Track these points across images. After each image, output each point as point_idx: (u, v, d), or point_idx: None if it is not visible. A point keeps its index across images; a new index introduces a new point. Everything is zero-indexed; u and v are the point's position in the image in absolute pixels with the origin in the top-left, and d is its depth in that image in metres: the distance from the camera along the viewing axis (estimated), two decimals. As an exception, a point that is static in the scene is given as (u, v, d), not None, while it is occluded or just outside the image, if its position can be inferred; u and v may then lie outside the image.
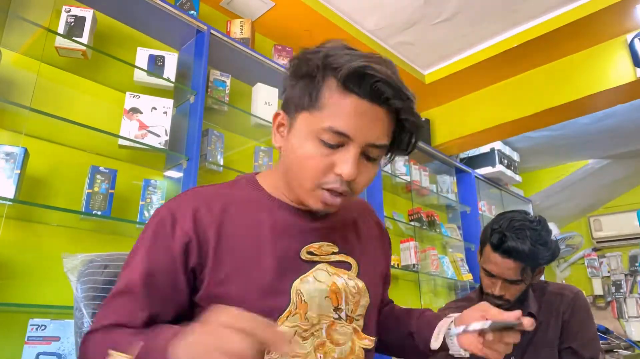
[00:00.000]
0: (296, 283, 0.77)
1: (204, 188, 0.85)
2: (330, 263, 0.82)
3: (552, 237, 1.40)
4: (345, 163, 0.71)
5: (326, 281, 0.79)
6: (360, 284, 0.84)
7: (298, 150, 0.74)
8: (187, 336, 0.57)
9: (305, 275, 0.78)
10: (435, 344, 0.84)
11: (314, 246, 0.81)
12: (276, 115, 0.81)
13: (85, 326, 0.81)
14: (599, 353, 1.43)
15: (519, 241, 1.33)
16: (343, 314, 0.81)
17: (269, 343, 0.53)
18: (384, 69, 0.70)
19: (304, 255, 0.80)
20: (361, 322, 0.84)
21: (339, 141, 0.71)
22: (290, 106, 0.77)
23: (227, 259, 0.75)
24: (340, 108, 0.70)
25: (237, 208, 0.80)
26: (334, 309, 0.80)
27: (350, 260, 0.85)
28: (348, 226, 0.91)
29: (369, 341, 0.84)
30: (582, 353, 1.41)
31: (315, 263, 0.80)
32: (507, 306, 1.44)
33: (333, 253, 0.83)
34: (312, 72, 0.73)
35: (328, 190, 0.74)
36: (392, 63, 0.74)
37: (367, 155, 0.74)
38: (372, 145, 0.73)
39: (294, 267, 0.78)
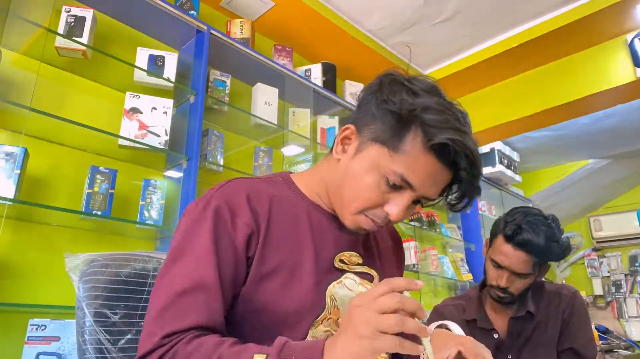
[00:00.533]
0: (330, 288, 0.78)
1: (246, 179, 0.84)
2: (356, 273, 0.84)
3: (564, 236, 1.41)
4: (397, 206, 0.75)
5: (355, 290, 0.82)
6: None
7: (358, 176, 0.76)
8: (340, 333, 0.60)
9: (338, 281, 0.80)
10: None
11: (345, 255, 0.84)
12: (346, 128, 0.80)
13: (87, 325, 0.80)
14: (597, 353, 1.44)
15: (534, 234, 1.33)
16: None
17: (412, 329, 0.57)
18: (469, 144, 0.71)
19: (337, 263, 0.82)
20: None
21: (401, 185, 0.74)
22: (365, 130, 0.77)
23: (273, 254, 0.76)
24: (418, 163, 0.72)
25: (280, 204, 0.81)
26: None
27: (372, 272, 0.88)
28: (368, 238, 0.92)
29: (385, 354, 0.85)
30: (584, 353, 1.41)
31: (344, 271, 0.82)
32: (509, 299, 1.43)
33: (358, 264, 0.85)
34: (403, 115, 0.72)
35: (371, 219, 0.77)
36: (474, 139, 0.75)
37: (415, 200, 0.77)
38: (424, 198, 0.76)
39: (328, 272, 0.80)
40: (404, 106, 0.71)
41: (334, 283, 0.79)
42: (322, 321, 0.76)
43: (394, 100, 0.72)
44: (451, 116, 0.73)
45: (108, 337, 0.80)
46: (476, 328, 1.48)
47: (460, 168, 0.72)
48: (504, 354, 1.45)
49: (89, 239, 1.73)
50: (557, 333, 1.44)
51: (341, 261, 0.83)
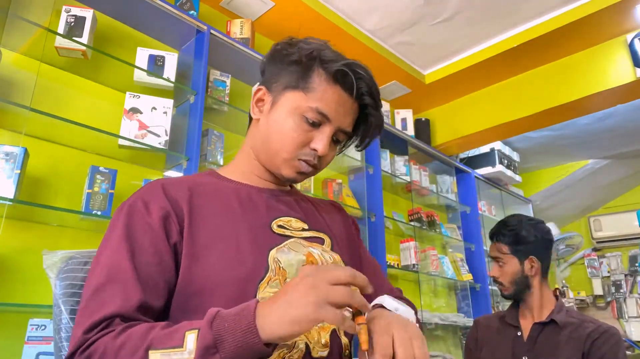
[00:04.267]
0: (272, 252, 0.78)
1: (165, 178, 0.87)
2: (303, 238, 0.85)
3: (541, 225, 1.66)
4: (321, 140, 0.83)
5: (302, 251, 0.82)
6: (336, 256, 0.87)
7: (280, 123, 0.83)
8: (278, 297, 0.60)
9: (280, 246, 0.80)
10: None
11: (283, 220, 0.85)
12: (258, 89, 0.89)
13: (63, 323, 0.78)
14: None
15: (501, 223, 1.68)
16: None
17: (359, 302, 0.60)
18: (365, 71, 0.84)
19: (275, 228, 0.83)
20: None
21: (319, 120, 0.83)
22: (274, 85, 0.87)
23: (202, 231, 0.76)
24: (326, 95, 0.82)
25: (203, 188, 0.84)
26: None
27: (322, 235, 0.89)
28: (308, 206, 0.96)
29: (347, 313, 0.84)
30: None
31: (287, 237, 0.83)
32: (505, 290, 1.64)
33: (304, 229, 0.87)
34: (304, 60, 0.83)
35: (304, 161, 0.84)
36: (368, 69, 0.87)
37: (334, 138, 0.86)
38: (341, 130, 0.86)
39: (267, 238, 0.80)
40: (303, 53, 0.84)
41: (276, 248, 0.79)
42: (267, 283, 0.75)
43: (293, 51, 0.85)
44: (341, 55, 0.86)
45: None
46: (504, 322, 1.67)
47: (362, 93, 0.84)
48: (519, 354, 1.57)
49: (89, 239, 1.73)
50: (578, 353, 1.47)
51: (280, 226, 0.84)
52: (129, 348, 0.60)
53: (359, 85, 0.83)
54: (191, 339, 0.58)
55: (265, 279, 0.75)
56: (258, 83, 0.92)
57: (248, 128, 0.96)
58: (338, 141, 0.88)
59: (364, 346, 0.61)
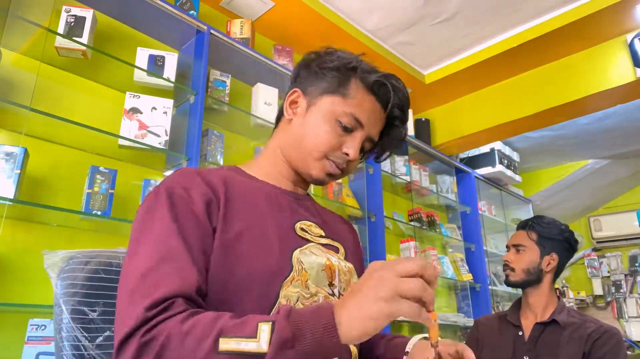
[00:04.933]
0: (296, 253, 0.79)
1: (194, 168, 0.88)
2: (321, 244, 0.87)
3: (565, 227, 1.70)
4: (353, 145, 0.86)
5: (321, 256, 0.83)
6: (350, 265, 0.89)
7: (316, 125, 0.87)
8: (351, 296, 0.59)
9: (303, 248, 0.81)
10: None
11: (305, 224, 0.87)
12: (293, 92, 0.92)
13: (64, 323, 0.78)
14: None
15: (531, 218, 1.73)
16: (336, 291, 0.83)
17: (429, 297, 0.58)
18: (400, 84, 0.89)
19: (298, 230, 0.85)
20: None
21: (353, 126, 0.86)
22: (310, 88, 0.90)
23: (235, 221, 0.76)
24: (363, 103, 0.87)
25: (232, 182, 0.84)
26: (328, 285, 0.82)
27: (337, 244, 0.91)
28: (324, 214, 0.98)
29: None
30: None
31: (307, 241, 0.84)
32: (513, 275, 1.66)
33: (321, 236, 0.89)
34: (342, 68, 0.88)
35: (333, 162, 0.87)
36: (403, 83, 0.91)
37: (362, 146, 0.89)
38: (370, 139, 0.89)
39: (291, 239, 0.82)
40: (342, 62, 0.88)
41: (299, 249, 0.80)
42: (290, 282, 0.75)
43: (332, 59, 0.89)
44: (377, 67, 0.90)
45: (85, 334, 0.78)
46: (505, 322, 1.69)
47: (393, 106, 0.88)
48: (520, 354, 1.58)
49: (89, 239, 1.73)
50: (579, 353, 1.49)
51: (302, 229, 0.85)
52: (197, 333, 0.57)
53: (390, 97, 0.87)
54: (265, 330, 0.56)
55: (289, 278, 0.76)
56: (290, 86, 0.94)
57: (275, 129, 0.97)
58: (363, 149, 0.90)
59: (435, 339, 0.62)
